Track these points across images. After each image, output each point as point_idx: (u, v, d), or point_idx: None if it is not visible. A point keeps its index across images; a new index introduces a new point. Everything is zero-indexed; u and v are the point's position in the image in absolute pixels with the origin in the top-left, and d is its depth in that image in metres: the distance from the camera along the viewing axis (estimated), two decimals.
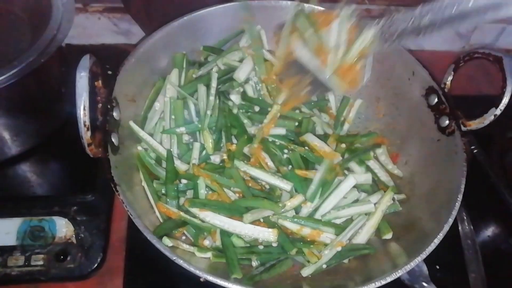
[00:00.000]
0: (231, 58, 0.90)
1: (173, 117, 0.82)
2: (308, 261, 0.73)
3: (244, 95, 0.86)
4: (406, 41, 0.70)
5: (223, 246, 0.71)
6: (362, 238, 0.77)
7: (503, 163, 1.00)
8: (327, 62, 0.76)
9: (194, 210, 0.71)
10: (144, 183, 0.76)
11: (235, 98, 0.85)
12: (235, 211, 0.73)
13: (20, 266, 0.80)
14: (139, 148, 0.78)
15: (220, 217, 0.72)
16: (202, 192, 0.75)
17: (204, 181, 0.75)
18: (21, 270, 0.79)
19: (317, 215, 0.77)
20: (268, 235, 0.72)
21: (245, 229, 0.71)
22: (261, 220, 0.75)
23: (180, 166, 0.78)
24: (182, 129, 0.81)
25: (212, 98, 0.82)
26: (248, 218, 0.71)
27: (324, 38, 0.76)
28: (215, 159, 0.79)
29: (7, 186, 0.90)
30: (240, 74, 0.86)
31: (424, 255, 0.66)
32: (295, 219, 0.75)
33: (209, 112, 0.81)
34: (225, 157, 0.78)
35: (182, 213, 0.71)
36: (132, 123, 0.78)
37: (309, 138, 0.83)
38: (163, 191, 0.77)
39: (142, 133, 0.79)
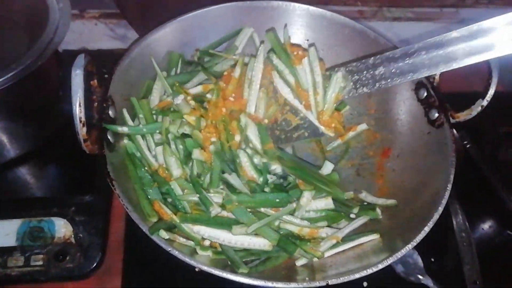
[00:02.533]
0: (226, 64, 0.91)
1: (141, 116, 0.81)
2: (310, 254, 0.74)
3: None
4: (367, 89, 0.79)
5: (223, 250, 0.72)
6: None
7: (495, 157, 1.01)
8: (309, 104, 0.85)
9: (187, 225, 0.72)
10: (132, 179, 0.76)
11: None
12: (227, 224, 0.73)
13: (20, 267, 0.81)
14: (125, 141, 0.78)
15: (213, 231, 0.72)
16: (179, 192, 0.75)
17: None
18: (21, 271, 0.80)
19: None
20: (264, 245, 0.72)
21: (240, 241, 0.72)
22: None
23: (154, 163, 0.78)
24: (144, 130, 0.80)
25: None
26: (236, 231, 0.72)
27: (300, 75, 0.85)
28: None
29: (6, 188, 0.91)
30: None
31: (414, 242, 0.67)
32: (295, 220, 0.76)
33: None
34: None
35: (174, 217, 0.71)
36: (124, 111, 0.78)
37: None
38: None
39: (130, 123, 0.79)
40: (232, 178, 0.75)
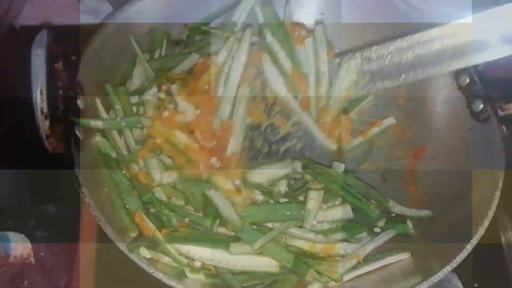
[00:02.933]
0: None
1: (117, 107, 0.81)
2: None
3: None
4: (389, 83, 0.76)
5: (218, 272, 0.72)
6: None
7: None
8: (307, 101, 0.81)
9: (175, 246, 0.72)
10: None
11: None
12: (222, 242, 0.73)
13: None
14: (98, 137, 0.78)
15: (207, 251, 0.72)
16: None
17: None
18: None
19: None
20: (269, 266, 0.73)
21: (239, 262, 0.72)
22: None
23: (134, 166, 0.79)
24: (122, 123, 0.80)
25: None
26: (235, 249, 0.72)
27: (300, 59, 0.81)
28: None
29: None
30: None
31: (454, 264, 0.67)
32: (306, 234, 0.76)
33: None
34: None
35: (158, 234, 0.71)
36: (97, 101, 0.79)
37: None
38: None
39: (105, 115, 0.80)
40: (220, 201, 0.74)
